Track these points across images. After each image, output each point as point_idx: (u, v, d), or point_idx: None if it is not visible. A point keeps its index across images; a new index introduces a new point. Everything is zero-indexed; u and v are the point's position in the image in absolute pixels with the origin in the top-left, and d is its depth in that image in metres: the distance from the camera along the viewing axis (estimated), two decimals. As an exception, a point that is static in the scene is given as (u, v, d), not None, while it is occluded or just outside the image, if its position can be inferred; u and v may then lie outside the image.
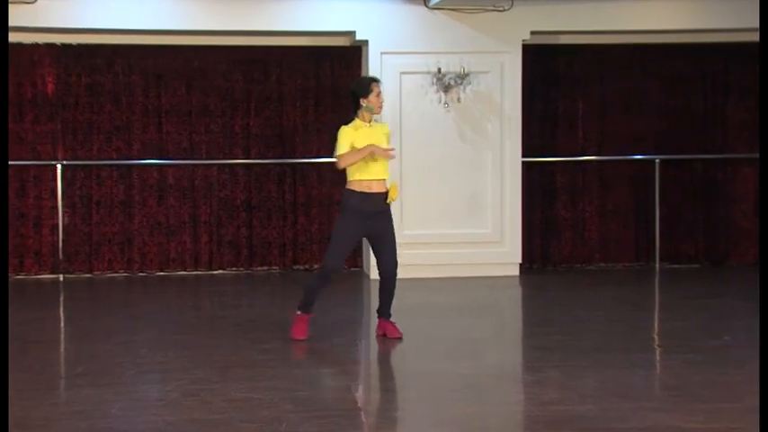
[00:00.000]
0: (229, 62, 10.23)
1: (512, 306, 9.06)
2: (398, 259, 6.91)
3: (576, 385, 5.65)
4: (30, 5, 9.34)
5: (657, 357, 6.59)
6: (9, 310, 8.59)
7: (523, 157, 10.12)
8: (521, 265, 10.17)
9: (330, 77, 10.31)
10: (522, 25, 9.89)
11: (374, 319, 8.26)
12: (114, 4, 9.55)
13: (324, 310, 7.34)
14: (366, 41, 9.89)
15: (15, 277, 9.93)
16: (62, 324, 8.11)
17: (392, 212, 6.83)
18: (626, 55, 10.61)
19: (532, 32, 9.94)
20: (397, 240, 6.87)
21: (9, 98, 9.85)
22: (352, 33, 9.95)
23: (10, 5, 9.23)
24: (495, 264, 10.01)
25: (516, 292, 9.58)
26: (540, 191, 10.58)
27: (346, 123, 6.73)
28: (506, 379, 6.04)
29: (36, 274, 10.04)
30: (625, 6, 10.00)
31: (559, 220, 10.62)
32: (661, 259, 10.64)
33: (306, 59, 10.32)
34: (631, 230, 10.71)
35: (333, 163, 6.92)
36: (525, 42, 9.99)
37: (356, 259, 10.42)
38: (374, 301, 9.06)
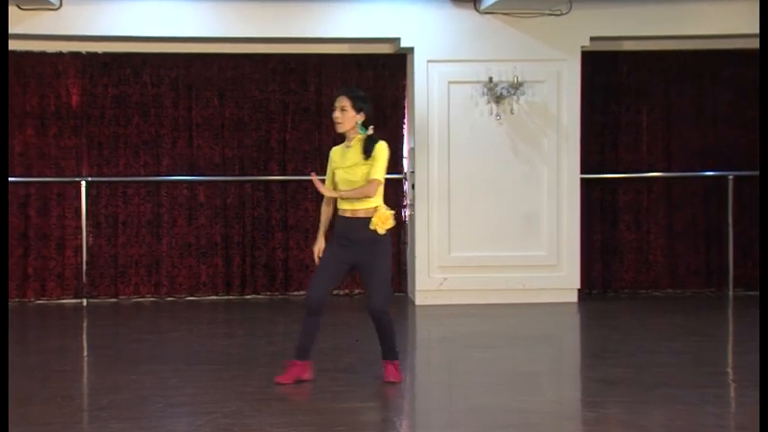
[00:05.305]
0: (265, 71, 10.32)
1: (570, 335, 9.00)
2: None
3: (641, 424, 5.59)
4: (54, 12, 9.51)
5: (731, 394, 6.50)
6: (29, 337, 8.73)
7: (582, 173, 10.08)
8: (579, 290, 10.11)
9: (373, 88, 10.35)
10: (581, 30, 9.88)
11: (421, 348, 8.30)
12: (143, 10, 9.69)
13: (364, 339, 7.35)
14: (411, 49, 9.93)
15: (37, 302, 10.08)
16: (85, 352, 8.19)
17: (387, 244, 6.38)
18: (695, 62, 10.54)
19: (592, 38, 9.92)
20: (386, 281, 6.37)
21: (32, 111, 10.03)
22: (396, 40, 10.00)
23: (34, 12, 9.45)
24: (552, 289, 9.96)
25: (574, 321, 9.51)
26: (600, 210, 10.53)
27: (382, 139, 6.49)
28: (564, 415, 5.99)
29: (58, 299, 10.17)
30: (694, 9, 9.94)
31: (622, 243, 10.55)
32: (735, 286, 10.52)
33: (347, 68, 10.38)
34: (702, 254, 10.60)
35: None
36: (584, 49, 9.97)
37: (400, 283, 10.43)
38: (420, 328, 9.12)
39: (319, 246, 6.54)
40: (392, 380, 6.51)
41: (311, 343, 6.49)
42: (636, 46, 10.47)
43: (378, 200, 6.36)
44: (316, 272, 6.50)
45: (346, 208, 6.37)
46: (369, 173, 6.29)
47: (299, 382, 6.44)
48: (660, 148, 10.56)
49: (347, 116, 6.37)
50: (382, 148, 6.35)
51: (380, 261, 6.34)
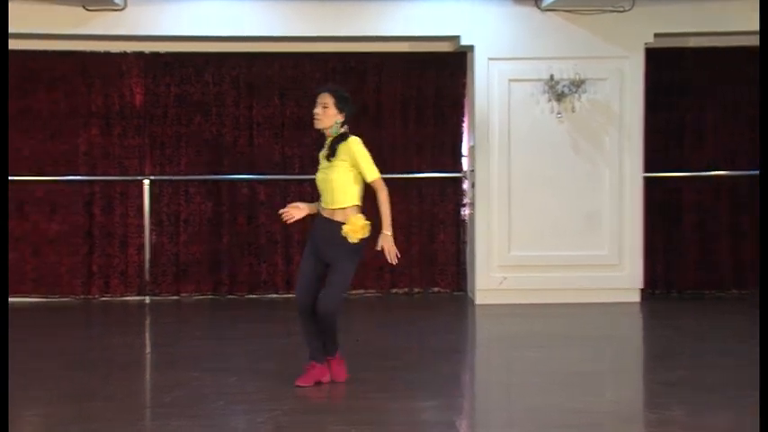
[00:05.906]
0: (325, 70, 10.37)
1: (631, 336, 8.92)
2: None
3: (706, 426, 5.54)
4: (118, 12, 9.66)
5: (797, 397, 6.39)
6: (93, 334, 8.90)
7: (645, 172, 9.99)
8: (642, 290, 10.02)
9: (433, 86, 10.36)
10: (645, 27, 9.78)
11: (480, 347, 8.29)
12: (205, 10, 9.80)
13: (424, 338, 7.38)
14: (472, 47, 9.91)
15: (101, 299, 10.25)
16: (148, 349, 8.32)
17: (356, 248, 6.21)
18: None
19: (656, 35, 9.82)
20: (341, 284, 6.26)
21: (97, 110, 10.21)
22: (456, 38, 9.99)
23: (99, 13, 9.62)
24: (613, 289, 9.88)
25: (636, 321, 9.43)
26: (663, 209, 10.41)
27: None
28: (625, 417, 5.95)
29: (122, 296, 10.33)
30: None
31: (686, 242, 10.43)
32: (802, 286, 10.34)
33: (406, 67, 10.39)
34: (768, 254, 10.43)
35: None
36: (648, 46, 9.87)
37: (459, 282, 10.43)
38: (479, 328, 9.10)
39: (298, 205, 6.49)
40: (339, 379, 6.49)
41: (319, 341, 6.44)
42: (702, 42, 10.32)
43: (352, 199, 6.24)
44: (299, 274, 6.45)
45: (326, 208, 6.32)
46: (343, 172, 6.19)
47: (318, 383, 6.43)
48: (726, 147, 10.41)
49: (328, 114, 6.28)
50: (355, 147, 6.20)
51: (343, 262, 6.22)
